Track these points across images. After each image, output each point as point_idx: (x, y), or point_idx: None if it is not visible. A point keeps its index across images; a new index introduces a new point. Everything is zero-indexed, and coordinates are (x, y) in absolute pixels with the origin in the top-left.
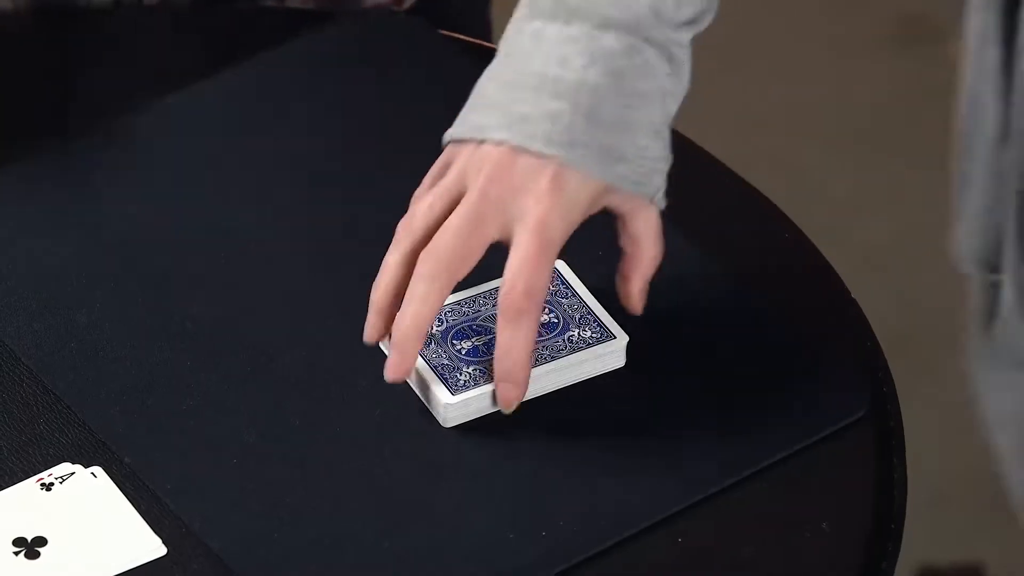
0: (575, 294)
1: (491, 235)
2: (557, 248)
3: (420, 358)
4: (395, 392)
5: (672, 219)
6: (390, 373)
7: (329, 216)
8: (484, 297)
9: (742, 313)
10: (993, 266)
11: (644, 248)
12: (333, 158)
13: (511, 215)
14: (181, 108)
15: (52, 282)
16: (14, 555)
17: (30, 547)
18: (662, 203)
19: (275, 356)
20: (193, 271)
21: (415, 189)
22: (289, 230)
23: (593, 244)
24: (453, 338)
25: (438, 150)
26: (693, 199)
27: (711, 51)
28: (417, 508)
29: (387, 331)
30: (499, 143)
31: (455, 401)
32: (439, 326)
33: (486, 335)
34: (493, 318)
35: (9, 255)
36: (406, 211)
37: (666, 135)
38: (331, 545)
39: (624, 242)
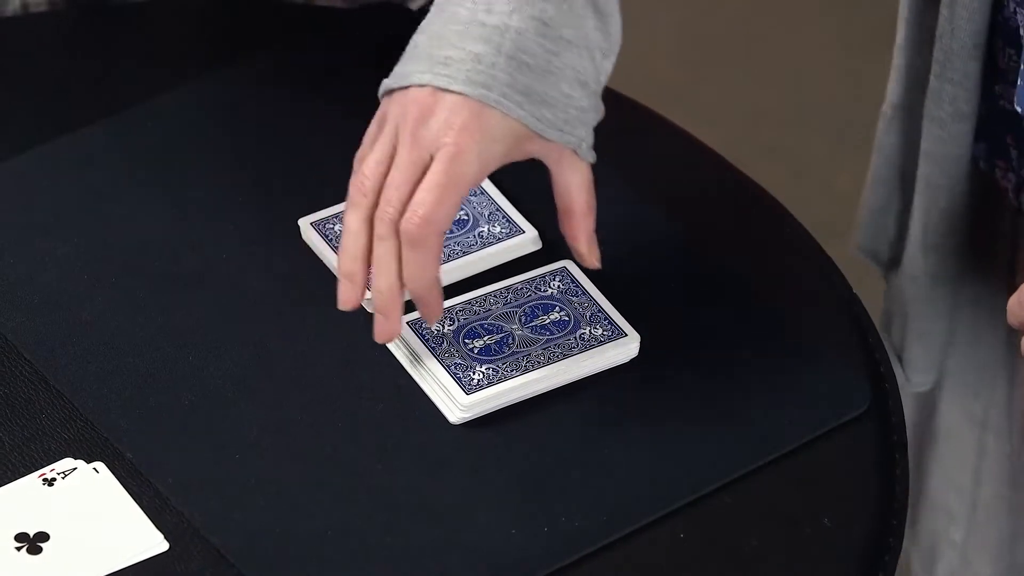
0: (585, 292)
1: None
2: (468, 183)
3: (432, 357)
4: (398, 387)
5: (674, 215)
6: (379, 337)
7: None
8: (495, 296)
9: (744, 309)
10: (885, 261)
11: (576, 201)
12: (334, 155)
13: (436, 150)
14: (184, 106)
15: (54, 279)
16: (16, 550)
17: (32, 542)
18: (590, 156)
19: (277, 351)
20: (194, 267)
21: None
22: (290, 226)
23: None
24: (466, 337)
25: None
26: (696, 195)
27: (715, 46)
28: (419, 503)
29: (361, 297)
30: (423, 86)
31: (468, 401)
32: (451, 325)
33: (498, 333)
34: (505, 316)
35: (12, 252)
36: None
37: (595, 89)
38: (333, 540)
39: (556, 196)
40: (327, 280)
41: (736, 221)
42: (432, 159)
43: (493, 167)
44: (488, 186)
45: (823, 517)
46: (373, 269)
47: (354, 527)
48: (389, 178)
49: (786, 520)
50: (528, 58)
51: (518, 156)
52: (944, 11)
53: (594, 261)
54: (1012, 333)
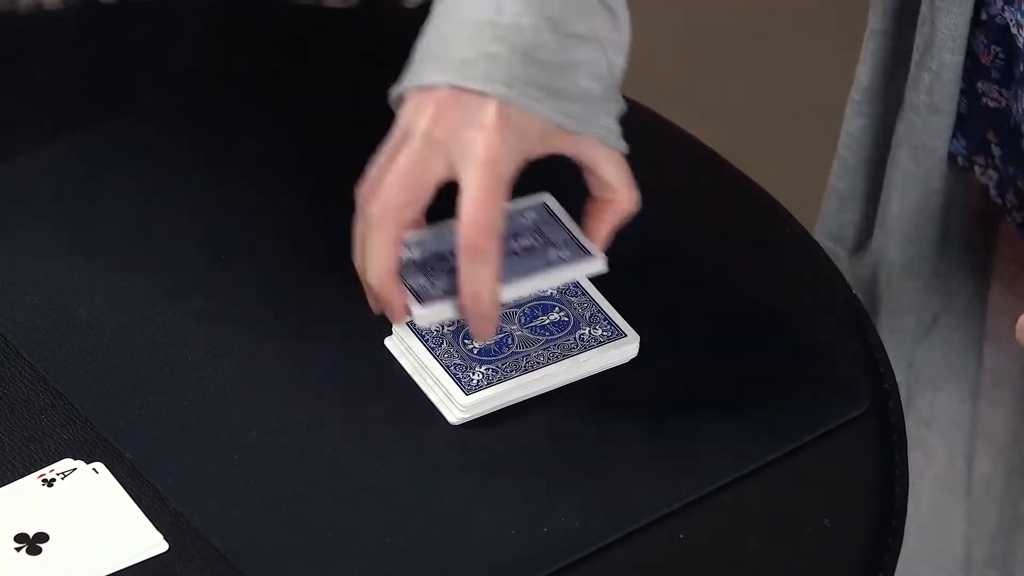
0: (585, 293)
1: (437, 175)
2: (509, 183)
3: (432, 357)
4: (397, 387)
5: (673, 215)
6: (393, 320)
7: (331, 212)
8: None
9: (744, 310)
10: (850, 245)
11: (620, 193)
12: (336, 155)
13: (457, 153)
14: (184, 106)
15: (54, 279)
16: (16, 551)
17: (32, 543)
18: (621, 145)
19: (276, 351)
20: (194, 267)
21: None
22: (291, 226)
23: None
24: (465, 337)
25: None
26: (696, 195)
27: (715, 46)
28: (419, 504)
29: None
30: (438, 85)
31: (468, 402)
32: (450, 326)
33: (498, 334)
34: (504, 316)
35: (11, 251)
36: None
37: (610, 82)
38: (332, 541)
39: (597, 189)
40: (326, 280)
41: (736, 221)
42: (450, 159)
43: (523, 163)
44: (563, 217)
45: (823, 517)
46: (366, 257)
47: (354, 527)
48: (392, 166)
49: (786, 520)
50: (543, 55)
51: (543, 151)
52: (925, 0)
53: (603, 246)
54: (969, 340)
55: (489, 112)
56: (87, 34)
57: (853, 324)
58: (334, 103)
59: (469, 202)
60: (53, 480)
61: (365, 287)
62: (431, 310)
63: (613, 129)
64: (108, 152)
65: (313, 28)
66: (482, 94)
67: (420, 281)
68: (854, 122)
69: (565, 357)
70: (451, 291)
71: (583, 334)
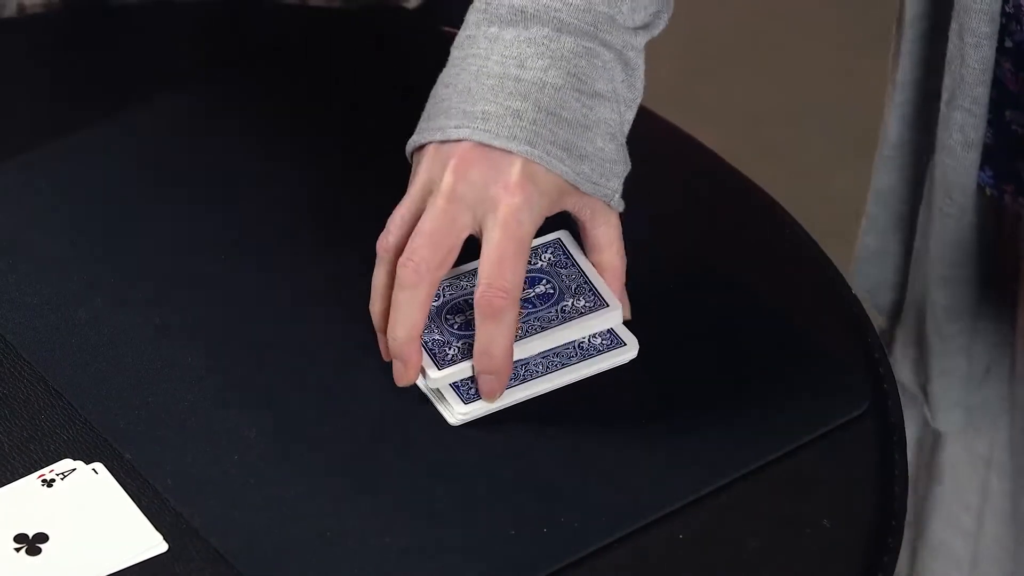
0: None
1: (465, 231)
2: (530, 242)
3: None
4: (396, 388)
5: (673, 215)
6: (398, 381)
7: (331, 213)
8: None
9: (743, 310)
10: (886, 306)
11: (607, 257)
12: (337, 156)
13: (481, 209)
14: (185, 105)
15: (54, 278)
16: (15, 551)
17: (31, 543)
18: (620, 206)
19: (276, 351)
20: (193, 268)
21: None
22: (291, 227)
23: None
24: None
25: None
26: (696, 196)
27: (715, 46)
28: (418, 504)
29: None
30: (461, 140)
31: (465, 409)
32: (462, 347)
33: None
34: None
35: (10, 252)
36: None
37: (621, 140)
38: (331, 541)
39: (588, 250)
40: (327, 281)
41: (735, 221)
42: (475, 214)
43: (540, 223)
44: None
45: (823, 518)
46: (395, 317)
47: (354, 527)
48: (419, 226)
49: (786, 520)
50: (567, 113)
51: (555, 210)
52: (953, 38)
53: (626, 313)
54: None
55: (514, 171)
56: (86, 35)
57: (853, 324)
58: (334, 103)
59: (490, 262)
60: (53, 480)
61: (380, 338)
62: (445, 374)
63: (618, 190)
64: (108, 152)
65: (313, 29)
66: (507, 152)
67: (435, 337)
68: (885, 178)
69: (564, 366)
70: (467, 352)
71: (582, 342)
